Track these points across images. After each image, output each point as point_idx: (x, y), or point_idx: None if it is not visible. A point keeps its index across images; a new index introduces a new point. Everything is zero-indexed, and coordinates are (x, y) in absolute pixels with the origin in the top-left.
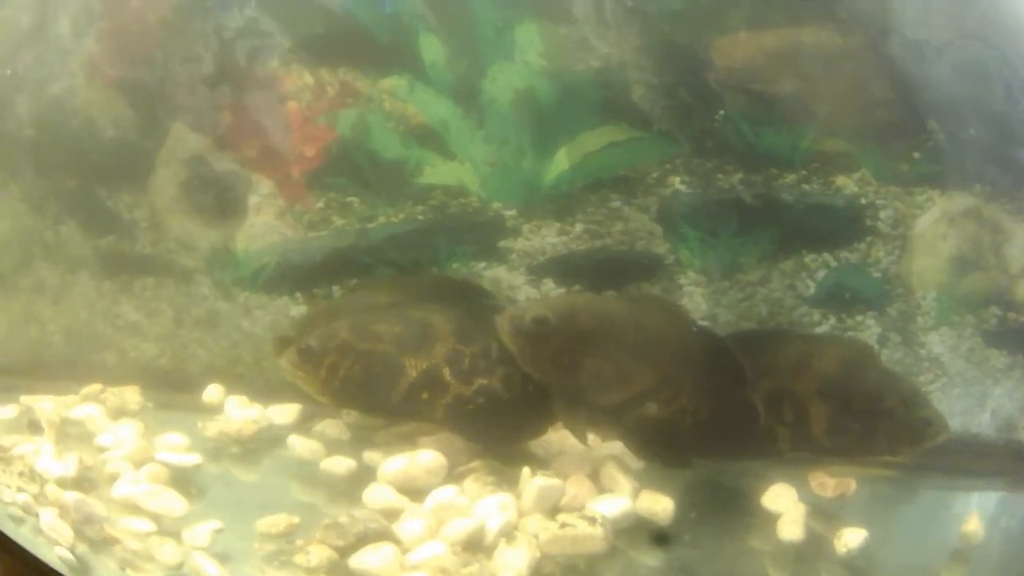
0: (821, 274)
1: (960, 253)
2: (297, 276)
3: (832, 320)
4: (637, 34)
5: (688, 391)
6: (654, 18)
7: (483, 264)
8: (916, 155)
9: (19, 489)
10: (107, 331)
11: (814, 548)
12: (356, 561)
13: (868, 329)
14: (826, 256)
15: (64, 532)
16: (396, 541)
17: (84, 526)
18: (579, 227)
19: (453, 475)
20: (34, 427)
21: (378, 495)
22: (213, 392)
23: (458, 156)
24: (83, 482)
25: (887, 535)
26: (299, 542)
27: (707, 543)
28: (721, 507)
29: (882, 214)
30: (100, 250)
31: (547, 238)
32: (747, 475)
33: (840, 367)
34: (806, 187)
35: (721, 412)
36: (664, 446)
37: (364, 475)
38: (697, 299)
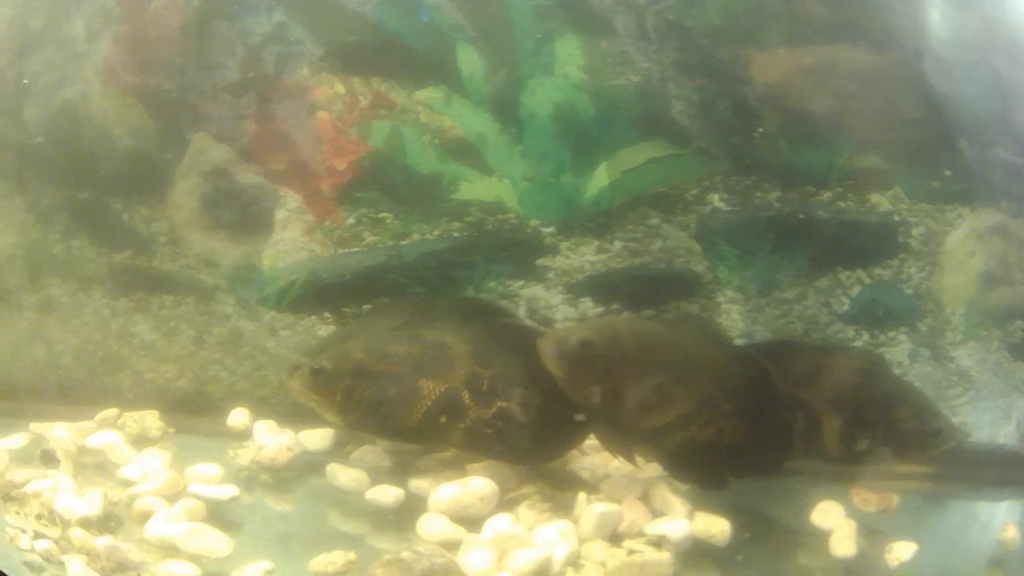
0: (855, 291)
1: (987, 269)
2: (326, 295)
3: (865, 336)
4: (677, 49)
5: (725, 414)
6: (694, 33)
7: (520, 283)
8: (947, 173)
9: (37, 534)
10: (122, 352)
11: (864, 563)
12: None
13: (900, 344)
14: (860, 273)
15: None
16: (459, 574)
17: (117, 574)
18: (618, 244)
19: (504, 502)
20: (48, 459)
21: (434, 526)
22: (239, 417)
23: (496, 171)
24: (109, 521)
25: (927, 546)
26: None
27: (761, 562)
28: (770, 526)
29: (914, 231)
30: (115, 266)
31: (586, 256)
32: (786, 492)
33: (851, 377)
34: (841, 204)
35: (756, 433)
36: (701, 468)
37: (412, 505)
38: (735, 317)
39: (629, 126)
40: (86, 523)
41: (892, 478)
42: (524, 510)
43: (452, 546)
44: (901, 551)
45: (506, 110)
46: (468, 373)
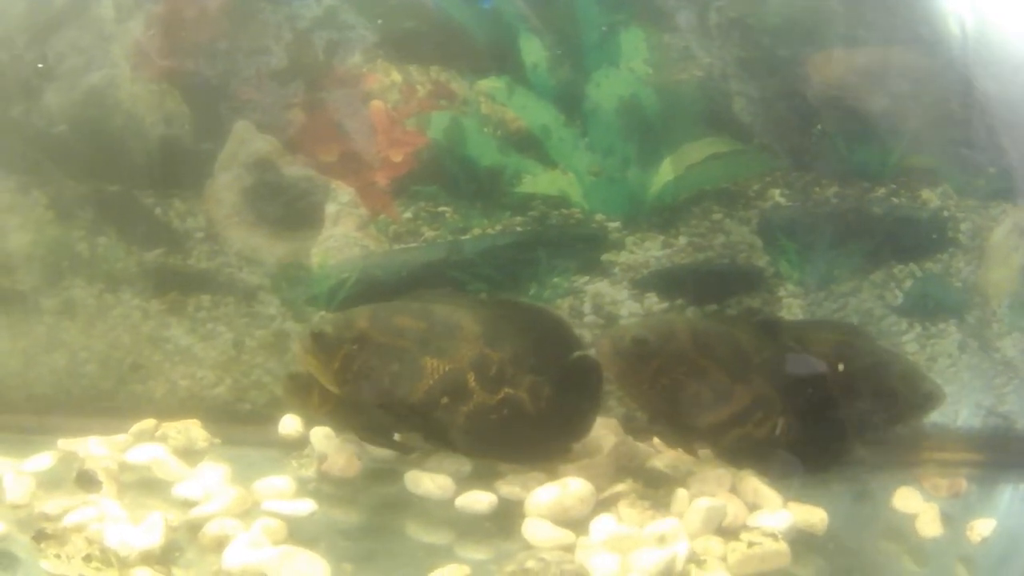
0: (908, 284)
1: None
2: (380, 293)
3: (917, 328)
4: (738, 46)
5: (780, 411)
6: (754, 31)
7: (585, 278)
8: (991, 170)
9: None
10: (154, 357)
11: (949, 541)
12: None
13: (949, 336)
14: (912, 267)
15: None
16: None
17: None
18: (683, 240)
19: (598, 502)
20: (88, 481)
21: (541, 531)
22: (290, 424)
23: (560, 164)
24: (172, 552)
25: (1002, 522)
26: None
27: (857, 547)
28: (853, 513)
29: (962, 226)
30: (146, 265)
31: (651, 251)
32: (848, 481)
33: (835, 351)
34: (895, 200)
35: (811, 431)
36: (759, 464)
37: (504, 510)
38: (795, 310)
39: (692, 121)
40: (148, 559)
41: (952, 465)
42: (625, 509)
43: (565, 550)
44: (982, 528)
45: (571, 102)
46: (477, 355)
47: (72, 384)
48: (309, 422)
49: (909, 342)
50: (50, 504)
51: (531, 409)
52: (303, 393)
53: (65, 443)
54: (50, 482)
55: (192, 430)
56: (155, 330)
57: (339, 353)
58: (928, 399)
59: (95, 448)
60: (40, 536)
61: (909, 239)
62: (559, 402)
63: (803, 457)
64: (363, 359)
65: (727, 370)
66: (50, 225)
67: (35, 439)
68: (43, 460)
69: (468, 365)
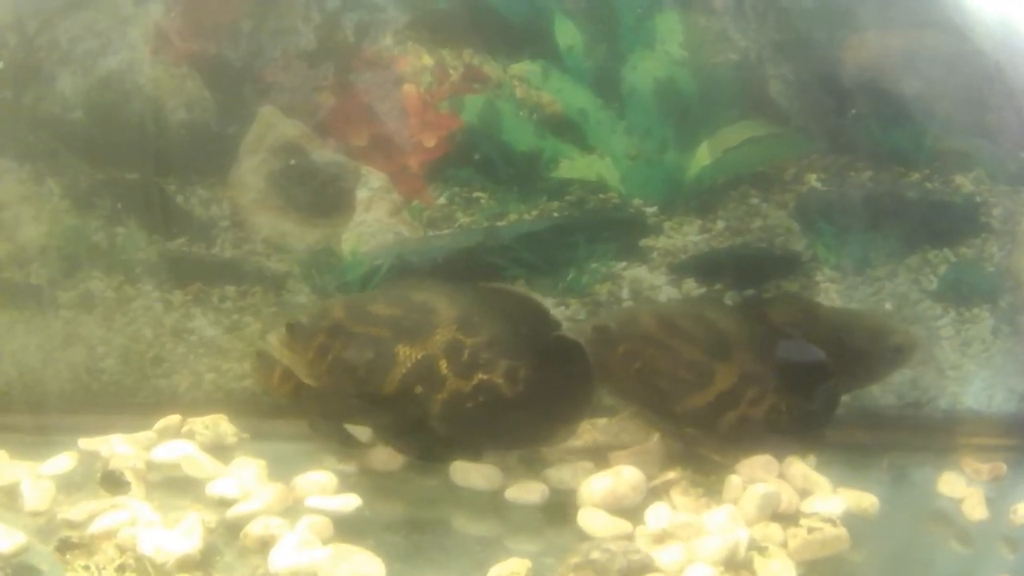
0: (942, 269)
1: None
2: (441, 279)
3: (952, 313)
4: (774, 29)
5: (775, 389)
6: (789, 14)
7: (623, 264)
8: (1023, 155)
9: None
10: (178, 350)
11: (995, 523)
12: None
13: (983, 321)
14: (947, 252)
15: None
16: (656, 570)
17: None
18: (720, 224)
19: (650, 489)
20: (114, 482)
21: (599, 521)
22: None
23: (597, 148)
24: (213, 556)
25: None
26: None
27: (908, 530)
28: (899, 498)
29: (995, 211)
30: (168, 254)
31: (689, 236)
32: (886, 468)
33: (799, 321)
34: (929, 185)
35: (812, 406)
36: (762, 446)
37: (554, 500)
38: (832, 295)
39: (729, 104)
40: (187, 565)
41: (988, 449)
42: (678, 496)
43: (625, 540)
44: None
45: (607, 85)
46: (448, 340)
47: (91, 380)
48: (270, 401)
49: (944, 327)
50: (74, 510)
51: (508, 394)
52: (267, 371)
53: (86, 442)
54: (71, 485)
55: (220, 425)
56: (178, 322)
57: (313, 344)
58: (898, 351)
59: (119, 447)
60: (65, 546)
61: (943, 224)
62: (539, 385)
63: (801, 432)
64: (337, 349)
65: (702, 349)
66: (66, 215)
67: (52, 439)
68: (62, 462)
69: (440, 351)
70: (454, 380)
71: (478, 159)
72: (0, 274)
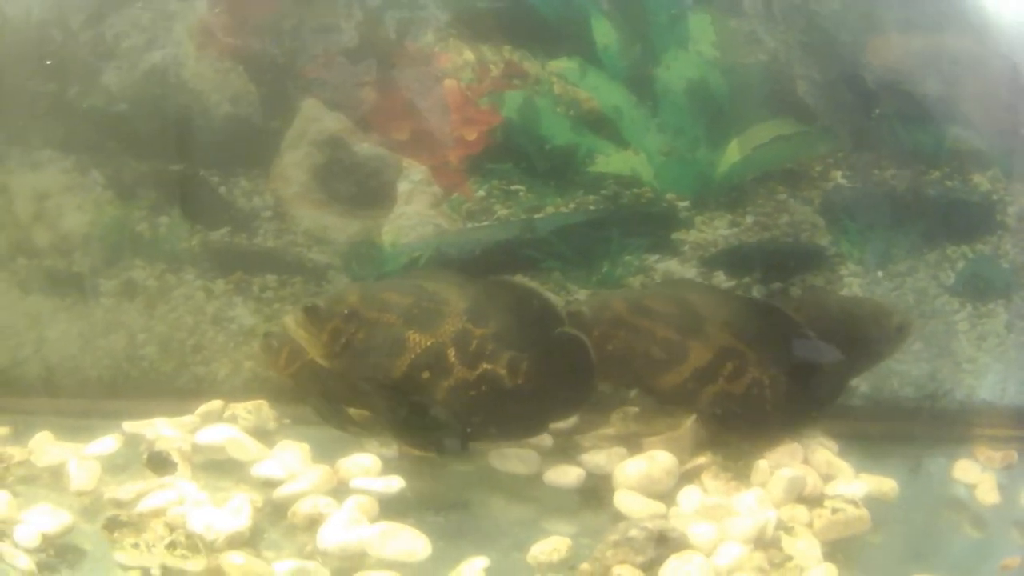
0: (960, 265)
1: None
2: (454, 271)
3: (968, 308)
4: (802, 31)
5: (755, 364)
6: (817, 16)
7: (656, 257)
8: None
9: (164, 569)
10: (219, 338)
11: (1006, 507)
12: (668, 575)
13: (998, 316)
14: (964, 248)
15: None
16: (691, 547)
17: None
18: (749, 219)
19: (682, 474)
20: (161, 463)
21: (635, 503)
22: None
23: (631, 144)
24: (259, 533)
25: None
26: (584, 566)
27: (925, 513)
28: (915, 483)
29: (1010, 210)
30: (210, 244)
31: (719, 230)
32: (910, 456)
33: (802, 304)
34: (948, 183)
35: (800, 382)
36: (746, 421)
37: (590, 483)
38: (855, 289)
39: (758, 103)
40: (237, 542)
41: (1001, 439)
42: (709, 480)
43: (660, 520)
44: None
45: (641, 83)
46: (458, 330)
47: (131, 367)
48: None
49: (961, 321)
50: (122, 489)
51: (509, 385)
52: (274, 352)
53: (130, 425)
54: (117, 467)
55: (263, 410)
56: (219, 310)
57: (328, 327)
58: (900, 331)
59: (164, 430)
60: (113, 524)
61: (961, 221)
62: (539, 379)
63: (795, 411)
64: (350, 333)
65: (675, 328)
66: (109, 205)
67: (95, 423)
68: (107, 443)
69: (449, 340)
70: (460, 369)
71: (517, 153)
72: (42, 262)
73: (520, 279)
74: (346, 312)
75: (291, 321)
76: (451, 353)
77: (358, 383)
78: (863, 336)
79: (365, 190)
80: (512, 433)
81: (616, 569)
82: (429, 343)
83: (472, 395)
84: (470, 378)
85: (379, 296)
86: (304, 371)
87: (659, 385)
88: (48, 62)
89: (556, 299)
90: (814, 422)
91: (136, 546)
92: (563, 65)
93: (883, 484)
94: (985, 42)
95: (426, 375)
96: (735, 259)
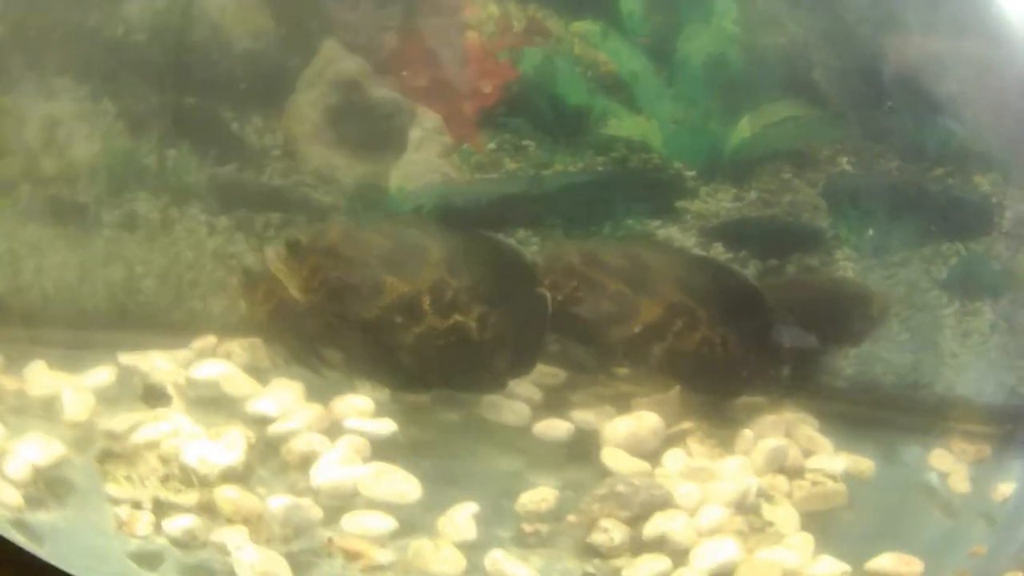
0: (953, 261)
1: None
2: (457, 221)
3: (956, 304)
4: (823, 18)
5: (706, 322)
6: (839, 5)
7: (657, 223)
8: None
9: (164, 505)
10: (217, 274)
11: (976, 497)
12: (652, 530)
13: (983, 315)
14: (958, 246)
15: (274, 565)
16: (675, 506)
17: (294, 540)
18: (753, 194)
19: (667, 437)
20: (156, 396)
21: (622, 460)
22: None
23: (644, 111)
24: (253, 469)
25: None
26: (571, 518)
27: (900, 493)
28: (891, 465)
29: (1007, 213)
30: (217, 179)
31: (723, 202)
32: (885, 441)
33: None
34: (949, 181)
35: (750, 342)
36: (700, 378)
37: (578, 439)
38: (849, 274)
39: (773, 83)
40: (230, 476)
41: (975, 435)
42: (694, 444)
43: (647, 477)
44: (1004, 489)
45: (660, 53)
46: (435, 279)
47: (127, 299)
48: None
49: (947, 316)
50: (115, 420)
51: (476, 338)
52: (251, 287)
53: (125, 358)
54: (110, 398)
55: (257, 348)
56: (220, 246)
57: (308, 263)
58: (881, 311)
59: (161, 363)
60: (105, 456)
61: (959, 219)
62: (503, 335)
63: (748, 372)
64: (329, 270)
65: (626, 282)
66: (119, 136)
67: (88, 354)
68: (102, 375)
69: (426, 288)
70: (433, 317)
71: (531, 109)
72: (47, 190)
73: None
74: (326, 249)
75: (272, 254)
76: (426, 301)
77: (331, 321)
78: (845, 316)
79: (377, 133)
80: (472, 385)
81: (602, 522)
82: (406, 289)
83: (440, 344)
84: (440, 327)
85: (361, 237)
86: (279, 310)
87: (608, 339)
88: None
89: (533, 261)
90: (772, 384)
91: (128, 478)
92: (586, 27)
93: (860, 463)
94: (1000, 49)
95: (399, 319)
96: (735, 232)
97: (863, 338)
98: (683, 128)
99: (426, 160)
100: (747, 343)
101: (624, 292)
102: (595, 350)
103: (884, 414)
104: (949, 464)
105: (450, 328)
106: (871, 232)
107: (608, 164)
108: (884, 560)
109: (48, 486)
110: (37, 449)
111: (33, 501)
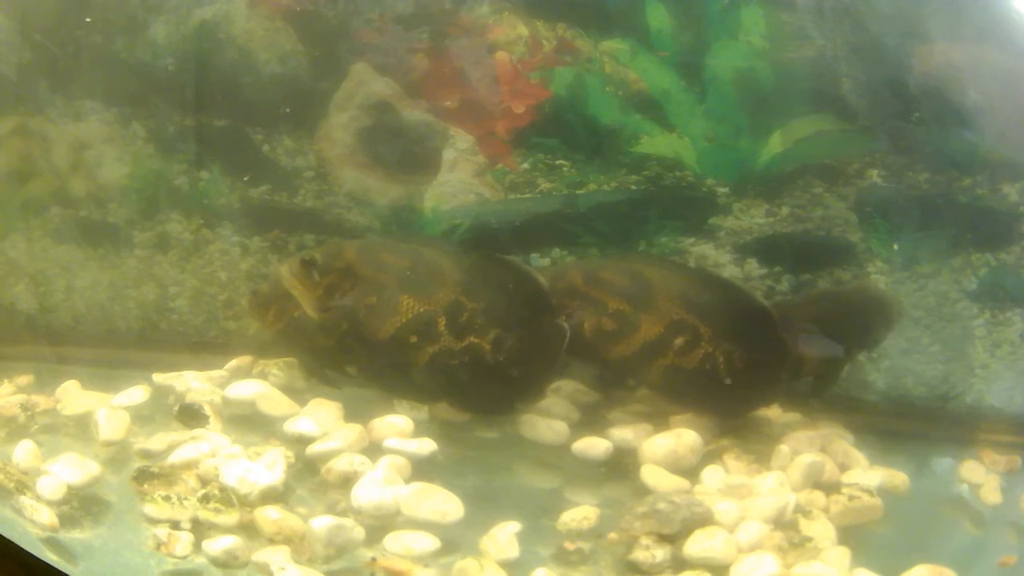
0: (983, 272)
1: None
2: (492, 241)
3: (987, 315)
4: (850, 31)
5: (708, 338)
6: (865, 17)
7: (691, 240)
8: None
9: (195, 523)
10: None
11: (1007, 508)
12: (694, 549)
13: (1013, 325)
14: (988, 256)
15: None
16: (715, 523)
17: (336, 560)
18: (785, 210)
19: (704, 454)
20: (192, 415)
21: (662, 477)
22: None
23: (676, 128)
24: (293, 489)
25: None
26: (612, 535)
27: (931, 506)
28: (923, 478)
29: None
30: (249, 201)
31: (755, 218)
32: (918, 454)
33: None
34: (978, 191)
35: (756, 356)
36: (702, 396)
37: (617, 457)
38: (880, 287)
39: (802, 98)
40: (271, 496)
41: (1006, 445)
42: (731, 461)
43: (686, 495)
44: None
45: (690, 69)
46: (451, 300)
47: (159, 319)
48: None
49: (978, 327)
50: (152, 440)
51: (490, 361)
52: (262, 308)
53: (160, 377)
54: (145, 418)
55: (294, 367)
56: (254, 267)
57: (323, 281)
58: (899, 316)
59: (193, 382)
60: (143, 476)
61: (988, 229)
62: (519, 360)
63: (753, 387)
64: (345, 289)
65: (627, 300)
66: (149, 158)
67: (121, 373)
68: (136, 394)
69: (442, 309)
70: (448, 338)
71: (563, 129)
72: (77, 212)
73: (513, 258)
74: (342, 267)
75: (286, 271)
76: (441, 322)
77: (345, 340)
78: (864, 325)
79: (410, 155)
80: (483, 407)
81: (643, 539)
82: (422, 309)
83: (453, 364)
84: (455, 348)
85: (377, 255)
86: (290, 328)
87: (610, 357)
88: (93, 15)
89: (547, 284)
90: (778, 398)
91: (167, 499)
92: (616, 45)
93: (895, 477)
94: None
95: (414, 339)
96: (768, 248)
97: (878, 343)
98: (715, 145)
99: (460, 180)
100: (753, 358)
101: (624, 310)
102: (601, 367)
103: (915, 425)
104: (980, 475)
105: (464, 349)
106: (896, 247)
107: (641, 182)
108: (918, 572)
109: (83, 505)
110: (71, 468)
111: (67, 520)
